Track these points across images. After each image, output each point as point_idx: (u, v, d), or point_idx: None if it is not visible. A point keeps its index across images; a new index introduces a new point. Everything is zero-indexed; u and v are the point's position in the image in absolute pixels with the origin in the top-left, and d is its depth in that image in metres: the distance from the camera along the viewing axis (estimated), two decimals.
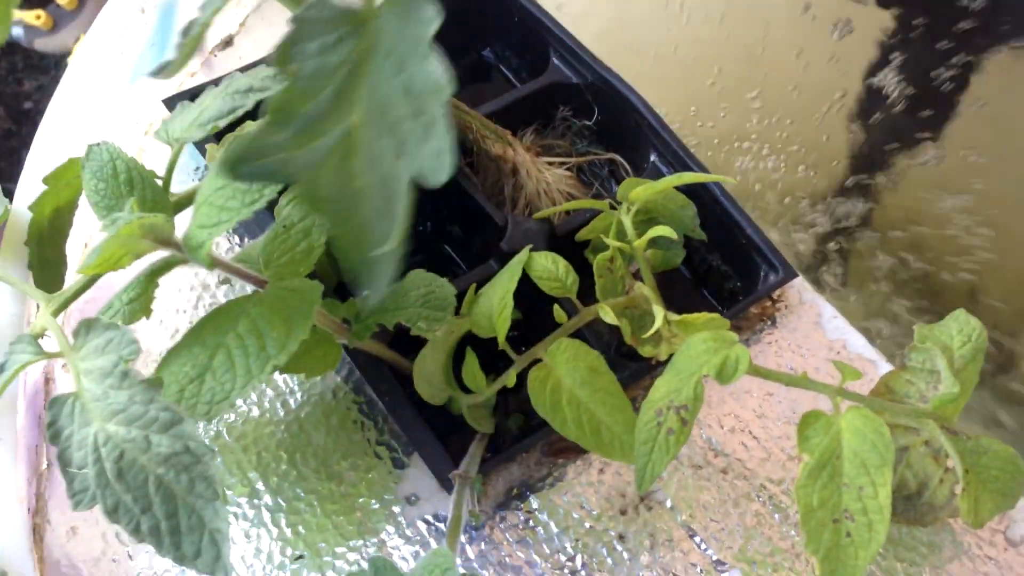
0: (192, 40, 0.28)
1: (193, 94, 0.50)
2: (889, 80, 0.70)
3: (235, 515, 0.45)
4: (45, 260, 0.42)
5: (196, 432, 0.32)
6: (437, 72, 0.26)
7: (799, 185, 0.70)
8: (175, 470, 0.32)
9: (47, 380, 0.50)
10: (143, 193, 0.37)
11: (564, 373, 0.40)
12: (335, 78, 0.27)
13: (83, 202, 0.45)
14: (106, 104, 0.56)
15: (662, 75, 0.67)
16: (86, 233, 0.52)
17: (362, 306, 0.42)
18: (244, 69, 0.47)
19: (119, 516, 0.33)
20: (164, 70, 0.28)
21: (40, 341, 0.36)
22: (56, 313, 0.37)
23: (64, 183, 0.40)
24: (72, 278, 0.41)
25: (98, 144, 0.37)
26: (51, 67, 2.18)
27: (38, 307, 0.43)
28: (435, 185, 0.26)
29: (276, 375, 0.49)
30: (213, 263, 0.36)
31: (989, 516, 0.41)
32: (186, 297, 0.51)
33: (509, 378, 0.41)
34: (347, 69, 0.27)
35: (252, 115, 0.39)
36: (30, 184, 0.55)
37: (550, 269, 0.43)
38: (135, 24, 0.61)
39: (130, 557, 0.45)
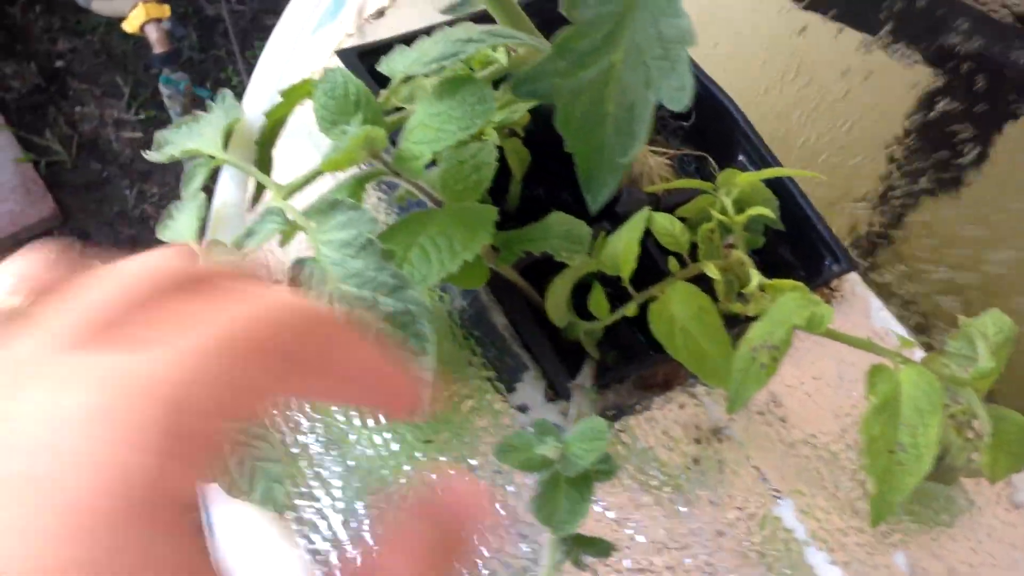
0: None
1: (361, 50, 0.59)
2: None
3: None
4: (263, 160, 0.50)
5: (418, 297, 0.40)
6: (684, 25, 0.35)
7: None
8: (395, 326, 0.40)
9: None
10: (366, 112, 0.45)
11: (677, 309, 0.49)
12: (606, 25, 0.35)
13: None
14: (296, 49, 0.66)
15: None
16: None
17: (512, 236, 0.50)
18: (400, 38, 0.55)
19: None
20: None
21: None
22: (285, 198, 0.45)
23: (293, 98, 0.49)
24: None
25: (334, 68, 0.45)
26: (87, 31, 2.25)
27: (255, 196, 0.52)
28: (675, 109, 0.34)
29: None
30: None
31: (1004, 473, 0.50)
32: None
33: (630, 308, 0.50)
34: (615, 18, 0.35)
35: None
36: (253, 97, 0.66)
37: (668, 227, 0.52)
38: None
39: None
